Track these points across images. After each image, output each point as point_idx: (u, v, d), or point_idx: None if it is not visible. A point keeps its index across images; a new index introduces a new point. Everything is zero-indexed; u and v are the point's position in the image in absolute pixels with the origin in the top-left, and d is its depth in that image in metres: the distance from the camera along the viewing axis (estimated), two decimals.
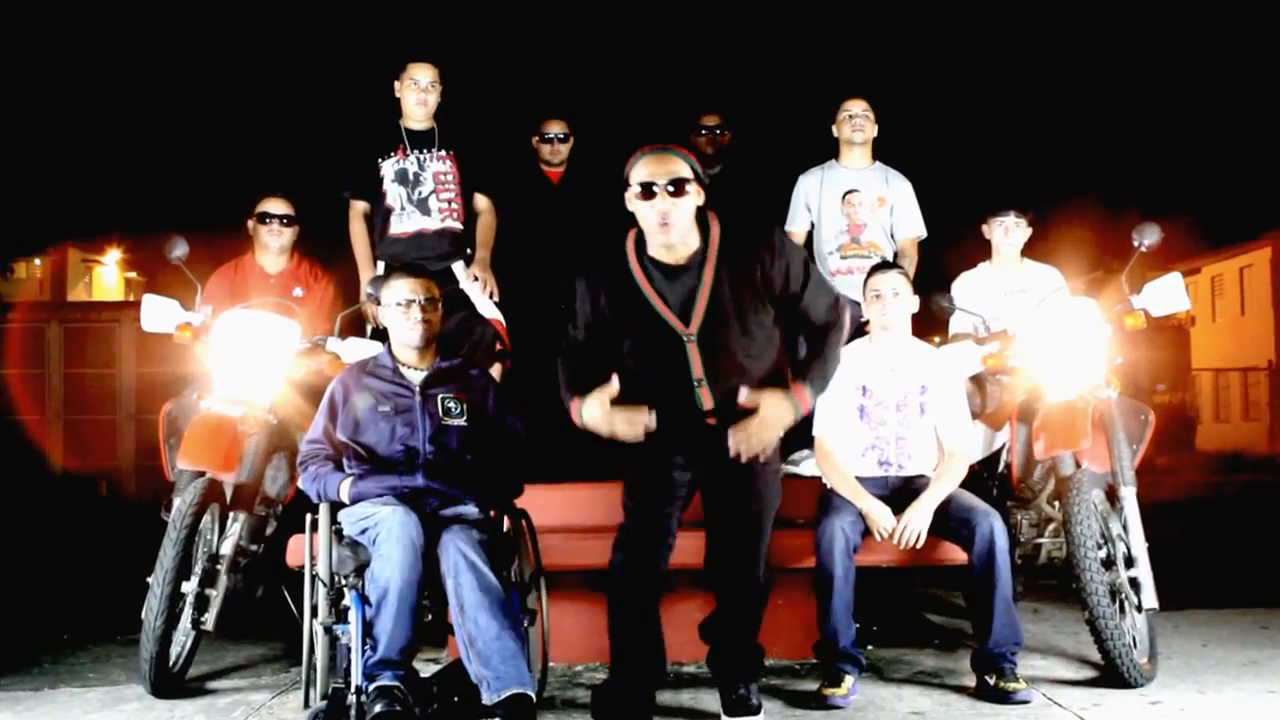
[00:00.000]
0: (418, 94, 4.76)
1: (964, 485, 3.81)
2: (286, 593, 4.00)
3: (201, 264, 4.62)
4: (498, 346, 4.70)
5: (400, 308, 3.45)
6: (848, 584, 3.59)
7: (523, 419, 3.56)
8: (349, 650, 3.11)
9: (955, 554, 3.71)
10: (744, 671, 3.32)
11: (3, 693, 3.87)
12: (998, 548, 3.54)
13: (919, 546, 3.66)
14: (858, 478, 3.79)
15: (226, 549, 3.89)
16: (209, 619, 3.76)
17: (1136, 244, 4.12)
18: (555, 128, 5.44)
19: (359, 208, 4.85)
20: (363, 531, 3.21)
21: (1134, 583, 3.70)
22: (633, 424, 3.07)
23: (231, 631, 3.99)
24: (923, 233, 5.03)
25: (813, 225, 5.06)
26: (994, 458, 4.50)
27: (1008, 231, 4.57)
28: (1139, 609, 3.71)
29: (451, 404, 3.45)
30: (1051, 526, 4.22)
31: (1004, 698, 3.49)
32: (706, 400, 3.19)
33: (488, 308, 4.72)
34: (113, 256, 30.93)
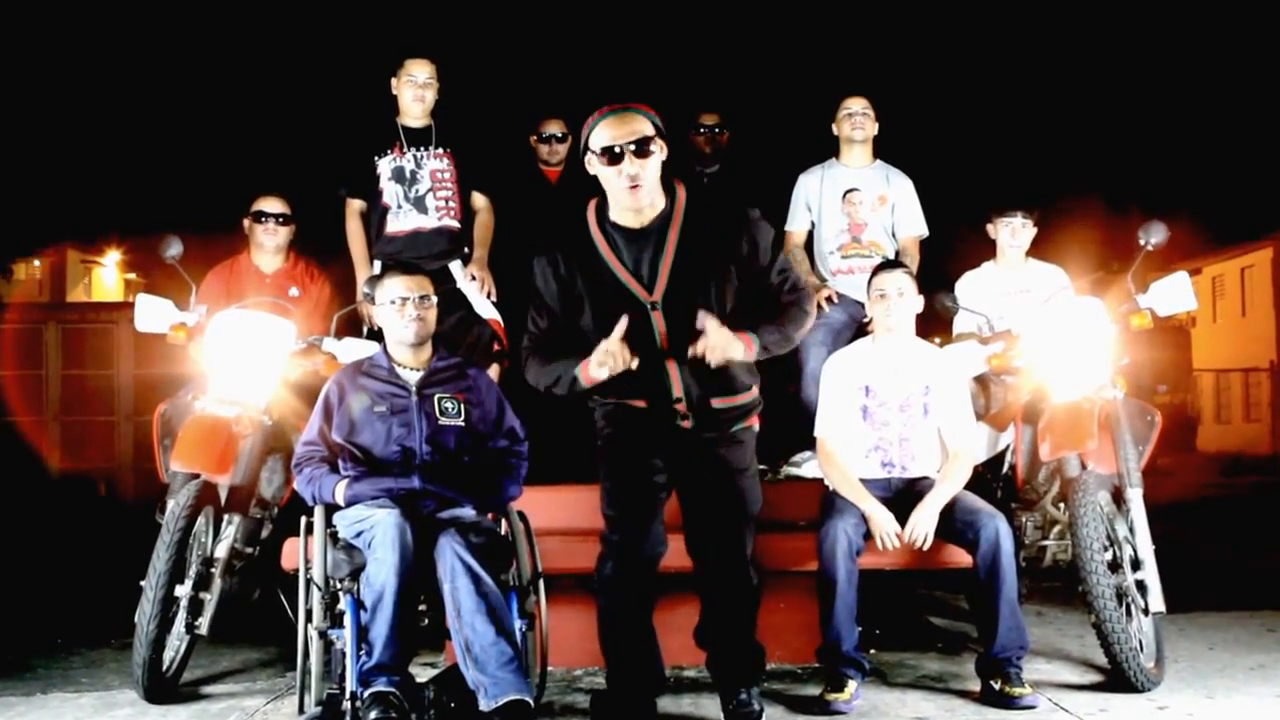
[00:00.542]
0: (414, 91, 4.72)
1: (968, 487, 3.77)
2: (282, 596, 3.95)
3: (199, 264, 4.58)
4: (495, 346, 4.66)
5: (394, 305, 3.40)
6: (850, 587, 3.55)
7: (521, 419, 3.52)
8: (344, 655, 3.07)
9: (959, 557, 3.67)
10: (744, 676, 3.25)
11: None
12: (1003, 551, 3.49)
13: (925, 548, 3.61)
14: (860, 479, 3.75)
15: (221, 552, 3.84)
16: (203, 623, 3.71)
17: (1143, 242, 4.08)
18: (553, 127, 5.40)
19: (355, 206, 4.82)
20: (358, 534, 3.17)
21: (1140, 586, 3.66)
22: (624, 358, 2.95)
23: (226, 635, 3.95)
24: (924, 231, 4.99)
25: (813, 225, 5.02)
26: (998, 459, 4.47)
27: (1014, 233, 4.53)
28: (1145, 612, 3.67)
29: (448, 404, 3.40)
30: (1056, 529, 4.18)
31: (1009, 703, 3.45)
32: (674, 378, 3.09)
33: (485, 307, 4.68)
34: (112, 258, 30.94)
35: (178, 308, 4.26)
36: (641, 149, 2.97)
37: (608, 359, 2.94)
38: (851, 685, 3.51)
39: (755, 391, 3.26)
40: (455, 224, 4.74)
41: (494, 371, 4.51)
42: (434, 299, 3.47)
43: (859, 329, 4.78)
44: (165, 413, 4.23)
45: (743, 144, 5.57)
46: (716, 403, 3.15)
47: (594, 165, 3.04)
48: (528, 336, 3.22)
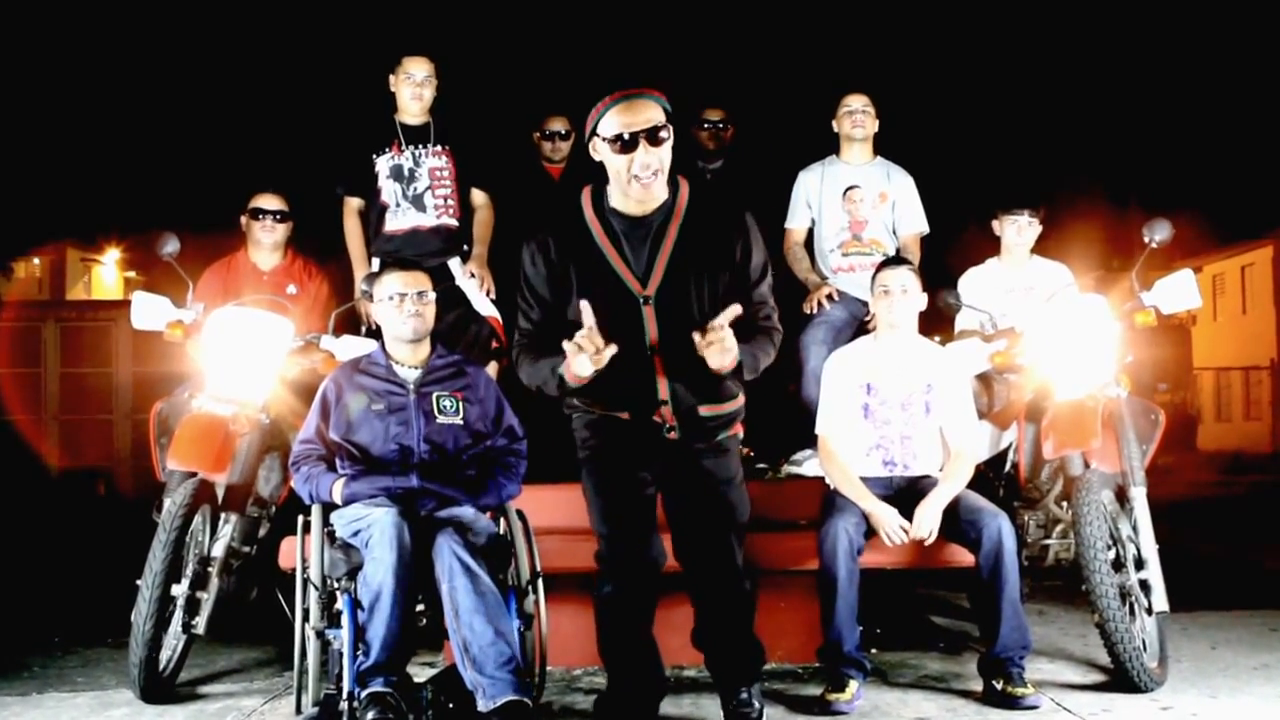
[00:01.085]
0: (413, 88, 4.69)
1: (970, 485, 3.75)
2: (280, 595, 3.93)
3: (197, 261, 4.56)
4: (494, 344, 4.63)
5: (392, 301, 3.38)
6: (851, 586, 3.52)
7: (519, 418, 3.49)
8: (341, 655, 3.05)
9: (961, 556, 3.65)
10: (743, 675, 3.19)
11: None
12: (1005, 550, 3.47)
13: (929, 543, 3.59)
14: (862, 478, 3.72)
15: (218, 551, 3.82)
16: (200, 622, 3.69)
17: (1147, 240, 4.05)
18: (556, 124, 5.37)
19: (354, 204, 4.79)
20: (355, 534, 3.14)
21: (1144, 585, 3.64)
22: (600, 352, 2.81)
23: (223, 635, 3.94)
24: (925, 229, 4.97)
25: (813, 222, 4.99)
26: (1001, 457, 4.44)
27: (1020, 231, 4.50)
28: (1149, 612, 3.65)
29: (447, 402, 3.38)
30: (1059, 527, 4.16)
31: (1012, 703, 3.43)
32: (660, 376, 2.99)
33: (485, 305, 4.65)
34: (111, 256, 30.96)
35: (175, 305, 4.23)
36: (655, 136, 2.88)
37: (581, 348, 2.80)
38: (853, 685, 3.48)
39: (741, 399, 3.18)
40: (454, 222, 4.72)
41: (493, 369, 4.49)
42: (432, 295, 3.44)
43: (859, 327, 4.76)
44: (162, 411, 4.21)
45: (746, 140, 5.54)
46: (704, 410, 3.06)
47: (602, 153, 2.94)
48: (518, 333, 3.13)
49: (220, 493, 3.91)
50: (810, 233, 5.02)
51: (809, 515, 3.87)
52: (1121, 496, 3.77)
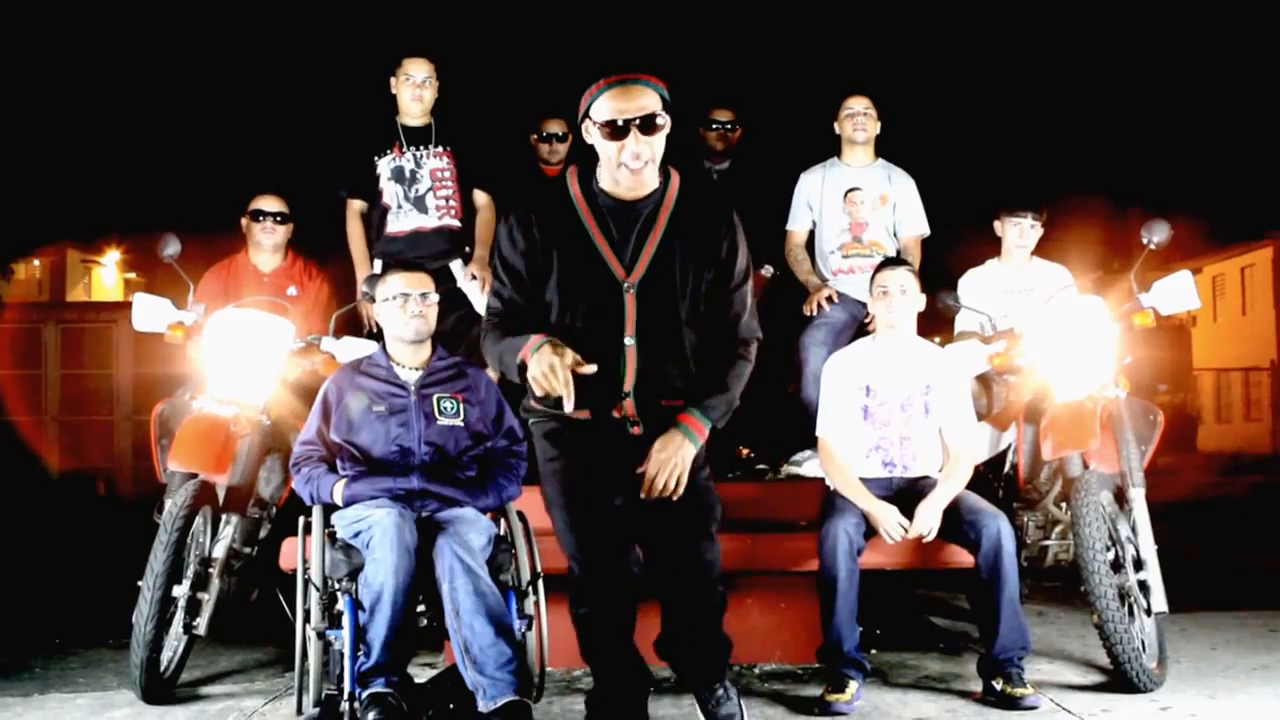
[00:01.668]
0: (413, 89, 4.71)
1: (969, 486, 3.75)
2: (281, 596, 3.94)
3: (198, 263, 4.56)
4: None
5: (395, 302, 3.39)
6: (851, 587, 3.53)
7: (520, 419, 3.50)
8: (342, 656, 3.05)
9: (961, 556, 3.65)
10: (715, 672, 3.01)
11: None
12: (1004, 551, 3.48)
13: (929, 539, 3.60)
14: (861, 479, 3.73)
15: (219, 552, 3.82)
16: (201, 623, 3.69)
17: (1145, 241, 4.06)
18: (554, 126, 5.39)
19: (356, 206, 4.81)
20: (356, 534, 3.15)
21: (1143, 586, 3.65)
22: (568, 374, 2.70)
23: (224, 636, 3.95)
24: (926, 231, 4.98)
25: (814, 224, 5.00)
26: (1000, 458, 4.45)
27: (1022, 233, 4.51)
28: (1148, 612, 3.65)
29: (447, 404, 3.39)
30: (1058, 528, 4.16)
31: (1011, 703, 3.43)
32: (630, 367, 2.87)
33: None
34: (112, 257, 30.96)
35: (176, 307, 4.24)
36: (648, 125, 2.79)
37: (548, 378, 2.70)
38: (852, 685, 3.49)
39: None
40: (456, 223, 4.73)
41: (493, 371, 4.49)
42: (435, 296, 3.46)
43: (860, 328, 4.76)
44: (163, 412, 4.22)
45: (753, 142, 5.54)
46: (667, 403, 2.94)
47: (592, 136, 2.85)
48: (488, 312, 2.99)
49: (221, 494, 3.91)
50: (811, 235, 5.03)
51: (809, 516, 3.87)
52: (1120, 497, 3.78)
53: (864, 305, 4.62)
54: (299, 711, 3.11)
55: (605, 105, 2.81)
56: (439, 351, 3.51)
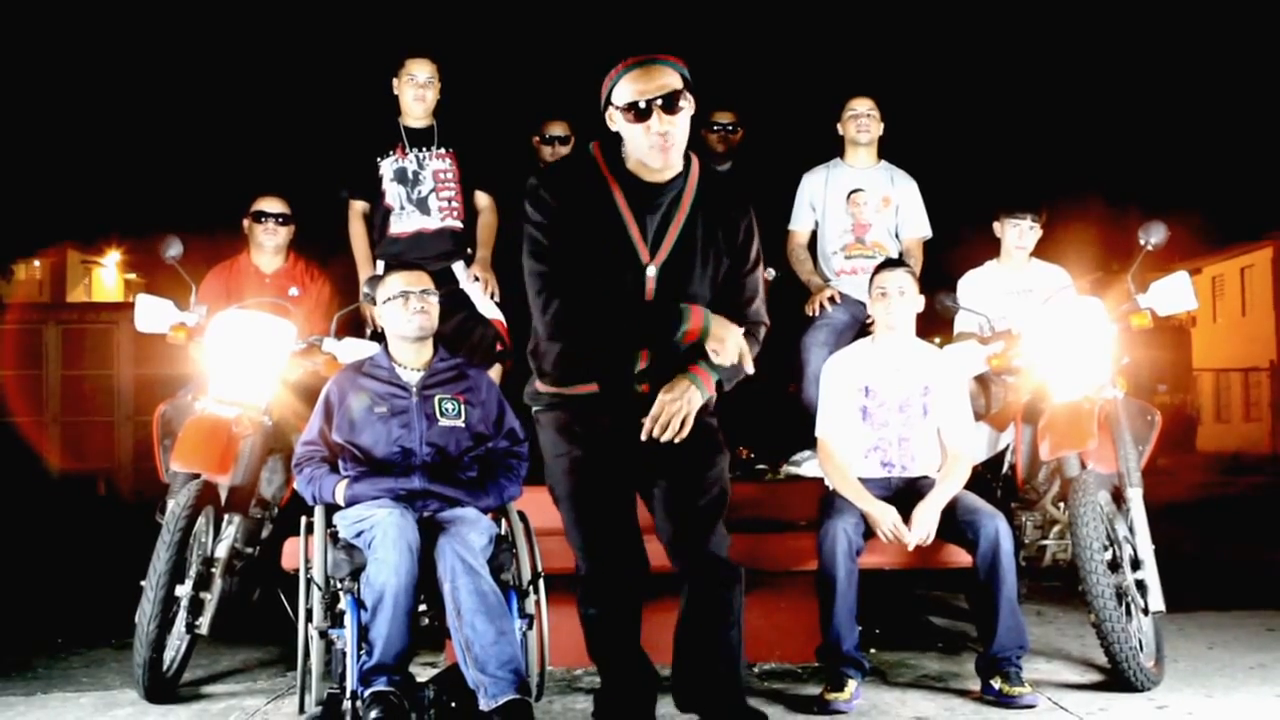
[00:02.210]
0: (415, 90, 4.71)
1: (968, 486, 3.77)
2: (282, 596, 3.95)
3: (200, 264, 4.58)
4: (498, 347, 4.65)
5: (397, 300, 3.41)
6: (850, 587, 3.55)
7: (520, 420, 3.52)
8: (344, 655, 3.07)
9: (959, 556, 3.67)
10: (733, 689, 2.91)
11: None
12: (1002, 550, 3.49)
13: (926, 544, 3.61)
14: (860, 479, 3.75)
15: (221, 552, 3.84)
16: (204, 623, 3.71)
17: (1143, 242, 4.07)
18: (556, 129, 5.40)
19: (358, 208, 4.81)
20: (358, 534, 3.17)
21: (1140, 585, 3.66)
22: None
23: (227, 635, 3.95)
24: (928, 233, 4.99)
25: (817, 225, 5.01)
26: (998, 459, 4.46)
27: (1022, 235, 4.52)
28: (1145, 612, 3.67)
29: (449, 405, 3.40)
30: (1056, 528, 4.18)
31: (1009, 702, 3.45)
32: (644, 349, 2.85)
33: (488, 308, 4.67)
34: (112, 258, 30.97)
35: (178, 308, 4.25)
36: (670, 104, 2.73)
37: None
38: (851, 685, 3.51)
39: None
40: (458, 224, 4.73)
41: (496, 372, 4.51)
42: (436, 294, 3.47)
43: (861, 329, 4.78)
44: (165, 413, 4.23)
45: (754, 144, 5.55)
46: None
47: (617, 122, 2.79)
48: (541, 280, 2.83)
49: (223, 494, 3.93)
50: (813, 235, 5.04)
51: (809, 516, 3.89)
52: (1118, 497, 3.79)
53: (866, 306, 4.63)
54: (301, 710, 3.13)
55: (626, 88, 2.77)
56: (440, 353, 3.53)
